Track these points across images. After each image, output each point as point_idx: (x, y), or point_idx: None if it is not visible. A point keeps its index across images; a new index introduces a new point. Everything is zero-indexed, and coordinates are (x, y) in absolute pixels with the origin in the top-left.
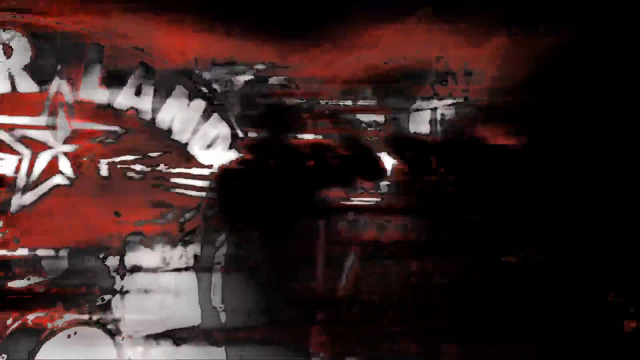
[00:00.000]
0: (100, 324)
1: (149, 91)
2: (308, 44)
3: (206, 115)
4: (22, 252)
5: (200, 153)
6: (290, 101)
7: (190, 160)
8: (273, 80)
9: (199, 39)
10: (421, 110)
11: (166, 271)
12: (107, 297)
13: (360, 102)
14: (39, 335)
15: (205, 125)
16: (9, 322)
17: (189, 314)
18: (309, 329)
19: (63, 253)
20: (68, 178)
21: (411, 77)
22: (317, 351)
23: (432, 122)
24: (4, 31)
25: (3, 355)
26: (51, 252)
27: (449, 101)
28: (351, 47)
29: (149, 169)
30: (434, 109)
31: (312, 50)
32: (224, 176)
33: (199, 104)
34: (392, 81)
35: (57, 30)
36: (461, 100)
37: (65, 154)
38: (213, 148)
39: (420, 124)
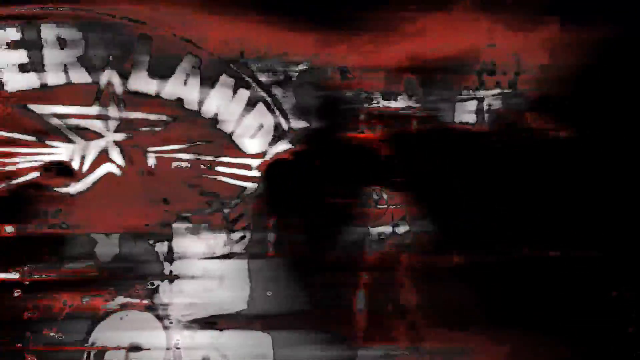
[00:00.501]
0: (150, 308)
1: (195, 81)
2: (350, 33)
3: (250, 105)
4: (73, 236)
5: (244, 143)
6: (343, 93)
7: (234, 149)
8: (327, 70)
9: (244, 29)
10: (467, 100)
11: (212, 258)
12: (156, 282)
13: (405, 93)
14: (92, 316)
15: (250, 115)
16: (64, 303)
17: (234, 299)
18: (353, 316)
19: (114, 238)
20: (118, 166)
21: (457, 66)
22: (361, 338)
23: (479, 112)
24: (57, 25)
25: (60, 334)
26: (102, 238)
27: (497, 91)
28: (395, 36)
29: (194, 158)
30: (481, 99)
31: (354, 40)
32: (275, 165)
33: (244, 94)
34: (438, 70)
35: (108, 22)
36: (509, 90)
37: (116, 142)
38: (257, 138)
39: (465, 114)
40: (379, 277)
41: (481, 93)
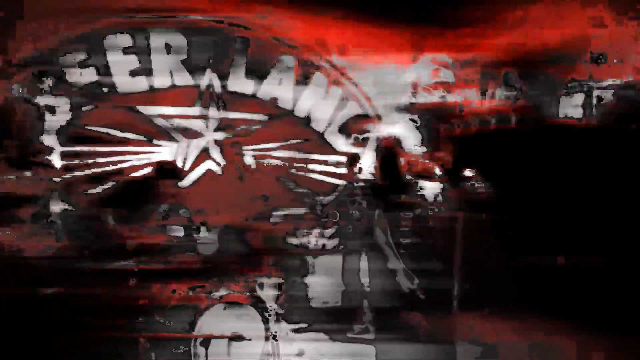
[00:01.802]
0: (250, 300)
1: (289, 81)
2: (444, 27)
3: (342, 103)
4: (179, 231)
5: (336, 140)
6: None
7: (327, 147)
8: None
9: (336, 28)
10: (573, 93)
11: (309, 253)
12: (255, 274)
13: (504, 87)
14: (198, 306)
15: (342, 113)
16: (172, 293)
17: (329, 294)
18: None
19: (214, 233)
20: (218, 164)
21: (562, 57)
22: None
23: (586, 105)
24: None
25: (169, 322)
26: (204, 231)
27: (608, 82)
28: (493, 28)
29: (289, 156)
30: (589, 92)
31: (449, 34)
32: (383, 159)
33: (336, 93)
34: (540, 63)
35: (209, 26)
36: (620, 82)
37: (216, 141)
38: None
39: (571, 108)
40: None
41: (590, 85)
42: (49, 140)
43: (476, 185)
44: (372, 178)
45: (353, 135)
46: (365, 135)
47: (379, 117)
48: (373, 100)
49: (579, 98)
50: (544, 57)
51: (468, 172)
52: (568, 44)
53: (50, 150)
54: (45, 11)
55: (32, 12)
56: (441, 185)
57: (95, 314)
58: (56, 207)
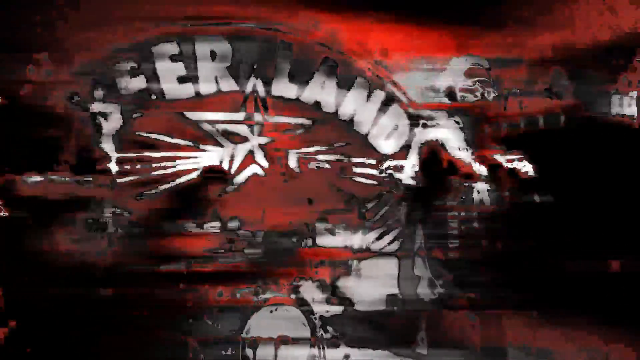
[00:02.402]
0: (296, 304)
1: (332, 85)
2: (488, 26)
3: (385, 107)
4: (226, 234)
5: (379, 143)
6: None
7: (370, 150)
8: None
9: (378, 31)
10: (625, 91)
11: (357, 257)
12: (301, 278)
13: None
14: (245, 309)
15: (384, 117)
16: (219, 295)
17: (374, 298)
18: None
19: (259, 236)
20: (262, 168)
21: (614, 55)
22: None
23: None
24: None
25: (217, 324)
26: (249, 235)
27: None
28: (539, 27)
29: (333, 159)
30: None
31: (493, 33)
32: (426, 161)
33: (379, 96)
34: (590, 60)
35: (253, 33)
36: None
37: (260, 145)
38: (392, 139)
39: (623, 106)
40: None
41: None
42: (104, 146)
43: (524, 186)
44: (415, 181)
45: (396, 138)
46: (407, 138)
47: (421, 119)
48: (416, 102)
49: (631, 96)
50: (594, 55)
51: (515, 173)
52: (620, 40)
53: (105, 156)
54: (98, 21)
55: (87, 22)
56: (487, 187)
57: (146, 316)
58: (109, 211)
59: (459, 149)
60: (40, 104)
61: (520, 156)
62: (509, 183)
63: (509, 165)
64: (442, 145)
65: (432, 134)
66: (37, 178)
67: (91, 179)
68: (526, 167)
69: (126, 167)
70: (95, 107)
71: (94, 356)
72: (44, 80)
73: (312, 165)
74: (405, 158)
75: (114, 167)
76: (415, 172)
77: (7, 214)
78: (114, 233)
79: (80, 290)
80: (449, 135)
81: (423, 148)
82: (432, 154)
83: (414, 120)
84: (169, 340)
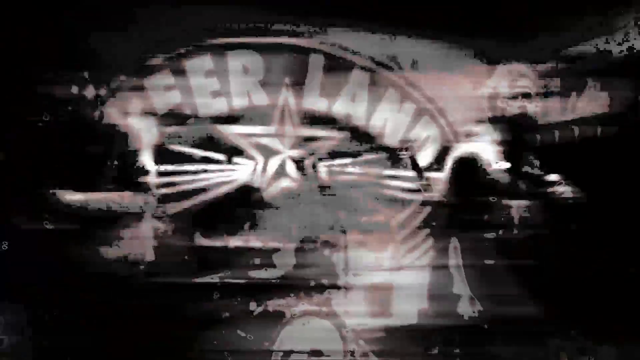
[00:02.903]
0: (328, 316)
1: (362, 97)
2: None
3: (416, 119)
4: (257, 245)
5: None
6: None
7: (400, 162)
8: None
9: (409, 44)
10: None
11: (388, 269)
12: (333, 291)
13: None
14: (278, 321)
15: (416, 128)
16: (252, 307)
17: (407, 312)
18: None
19: (291, 248)
20: (294, 180)
21: None
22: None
23: None
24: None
25: (250, 335)
26: (280, 247)
27: None
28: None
29: (364, 171)
30: None
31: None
32: (458, 172)
33: (409, 108)
34: (626, 70)
35: (284, 46)
36: None
37: (292, 158)
38: (423, 150)
39: None
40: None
41: None
42: (143, 160)
43: (565, 198)
44: (448, 196)
45: (428, 151)
46: (441, 151)
47: (454, 133)
48: (448, 115)
49: None
50: (629, 64)
51: (556, 186)
52: None
53: (144, 169)
54: (136, 39)
55: (125, 41)
56: (527, 203)
57: (181, 326)
58: (147, 223)
59: (496, 163)
60: (83, 120)
61: (561, 177)
62: (548, 201)
63: (549, 184)
64: (477, 159)
65: (467, 147)
66: (80, 192)
67: (131, 192)
68: (567, 189)
69: (162, 180)
70: (133, 122)
71: None
72: (85, 97)
73: (344, 177)
74: (438, 171)
75: (152, 180)
76: (450, 186)
77: (52, 226)
78: (151, 244)
79: (115, 301)
80: (484, 148)
81: (458, 162)
82: (466, 168)
83: (448, 134)
84: (203, 351)
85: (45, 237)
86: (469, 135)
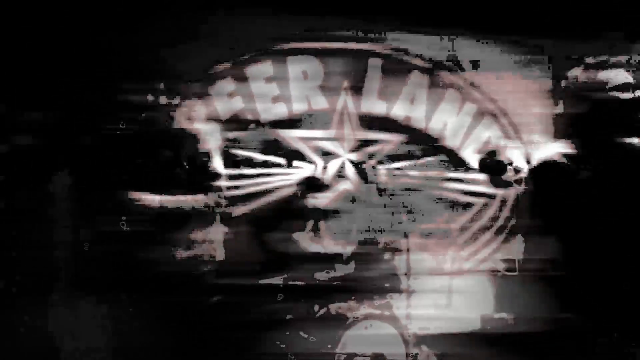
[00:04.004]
0: (390, 320)
1: (422, 99)
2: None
3: (477, 120)
4: (318, 248)
5: (472, 157)
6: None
7: (462, 165)
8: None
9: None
10: None
11: (450, 274)
12: (395, 295)
13: None
14: (340, 324)
15: (477, 129)
16: (315, 309)
17: (470, 318)
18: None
19: (351, 251)
20: (353, 183)
21: None
22: None
23: None
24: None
25: (312, 337)
26: (341, 250)
27: None
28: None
29: (423, 174)
30: None
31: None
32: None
33: (471, 108)
34: None
35: (343, 50)
36: None
37: (351, 161)
38: (485, 152)
39: None
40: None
41: None
42: (212, 164)
43: None
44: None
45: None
46: (504, 153)
47: (517, 134)
48: (510, 115)
49: None
50: None
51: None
52: None
53: (213, 173)
54: (202, 49)
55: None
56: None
57: (245, 327)
58: (216, 225)
59: (574, 164)
60: (156, 127)
61: None
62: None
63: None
64: (554, 162)
65: (546, 149)
66: (155, 195)
67: (203, 194)
68: None
69: (229, 183)
70: (199, 128)
71: None
72: (158, 105)
73: (403, 180)
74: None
75: (221, 184)
76: (522, 186)
77: (128, 228)
78: (220, 245)
79: (187, 299)
80: (558, 148)
81: (541, 164)
82: (545, 168)
83: (511, 135)
84: (267, 352)
85: (122, 238)
86: (535, 135)
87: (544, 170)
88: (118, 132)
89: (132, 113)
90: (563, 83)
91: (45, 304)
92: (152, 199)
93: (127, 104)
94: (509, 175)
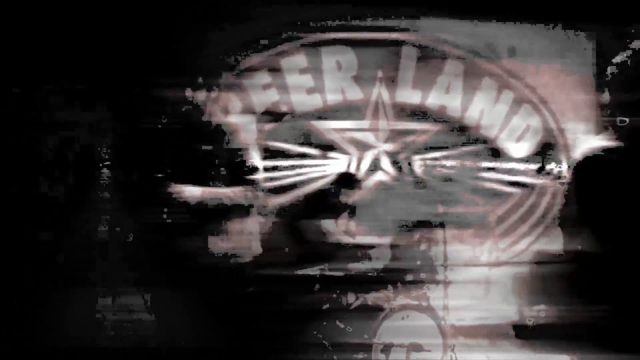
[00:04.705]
0: (427, 311)
1: (457, 87)
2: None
3: (515, 108)
4: (352, 239)
5: (509, 146)
6: None
7: (499, 154)
8: None
9: (505, 30)
10: None
11: (487, 264)
12: (431, 285)
13: None
14: (377, 314)
15: (515, 117)
16: (351, 300)
17: (506, 309)
18: None
19: (387, 242)
20: (389, 174)
21: None
22: None
23: None
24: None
25: (349, 327)
26: (377, 241)
27: None
28: None
29: (460, 164)
30: None
31: None
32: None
33: (507, 97)
34: None
35: (376, 40)
36: None
37: (386, 152)
38: (522, 141)
39: None
40: None
41: None
42: (249, 156)
43: None
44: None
45: (528, 140)
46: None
47: (557, 123)
48: (551, 104)
49: None
50: None
51: None
52: None
53: (250, 166)
54: (236, 44)
55: (227, 45)
56: None
57: (283, 316)
58: (254, 217)
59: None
60: (195, 121)
61: None
62: None
63: None
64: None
65: (583, 139)
66: (195, 188)
67: (241, 187)
68: None
69: (265, 175)
70: (236, 120)
71: (230, 355)
72: (196, 99)
73: (440, 170)
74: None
75: (259, 176)
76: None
77: (169, 220)
78: (257, 237)
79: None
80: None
81: (587, 155)
82: (588, 159)
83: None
84: (304, 342)
85: (164, 229)
86: (578, 126)
87: (586, 161)
88: (159, 127)
89: (171, 107)
90: (609, 70)
91: (88, 295)
92: (192, 192)
93: (166, 98)
94: (550, 165)
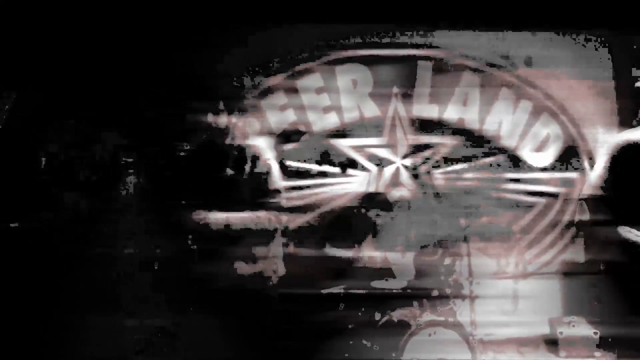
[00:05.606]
0: (454, 327)
1: (474, 99)
2: None
3: (534, 117)
4: (377, 256)
5: (530, 156)
6: None
7: (521, 164)
8: None
9: (521, 40)
10: None
11: (514, 277)
12: (458, 301)
13: None
14: (403, 331)
15: (534, 126)
16: (377, 317)
17: (535, 321)
18: None
19: (410, 258)
20: (409, 188)
21: None
22: None
23: None
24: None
25: (376, 346)
26: (399, 257)
27: None
28: None
29: (479, 176)
30: None
31: None
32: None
33: (526, 106)
34: None
35: (392, 56)
36: None
37: (405, 167)
38: (544, 150)
39: None
40: None
41: None
42: (270, 179)
43: None
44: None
45: (549, 148)
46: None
47: (577, 128)
48: (570, 110)
49: None
50: None
51: None
52: None
53: (272, 188)
54: (253, 64)
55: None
56: None
57: (309, 337)
58: (278, 239)
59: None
60: (217, 146)
61: None
62: None
63: None
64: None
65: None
66: (220, 213)
67: (264, 210)
68: None
69: (285, 195)
70: (256, 143)
71: None
72: (218, 124)
73: (460, 183)
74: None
75: (281, 198)
76: (586, 184)
77: (195, 246)
78: (281, 258)
79: (253, 310)
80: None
81: (614, 153)
82: (611, 166)
83: (571, 130)
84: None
85: (189, 255)
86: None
87: (610, 168)
88: (183, 153)
89: (194, 133)
90: (638, 84)
91: (114, 320)
92: (217, 217)
93: (189, 124)
94: (573, 173)
